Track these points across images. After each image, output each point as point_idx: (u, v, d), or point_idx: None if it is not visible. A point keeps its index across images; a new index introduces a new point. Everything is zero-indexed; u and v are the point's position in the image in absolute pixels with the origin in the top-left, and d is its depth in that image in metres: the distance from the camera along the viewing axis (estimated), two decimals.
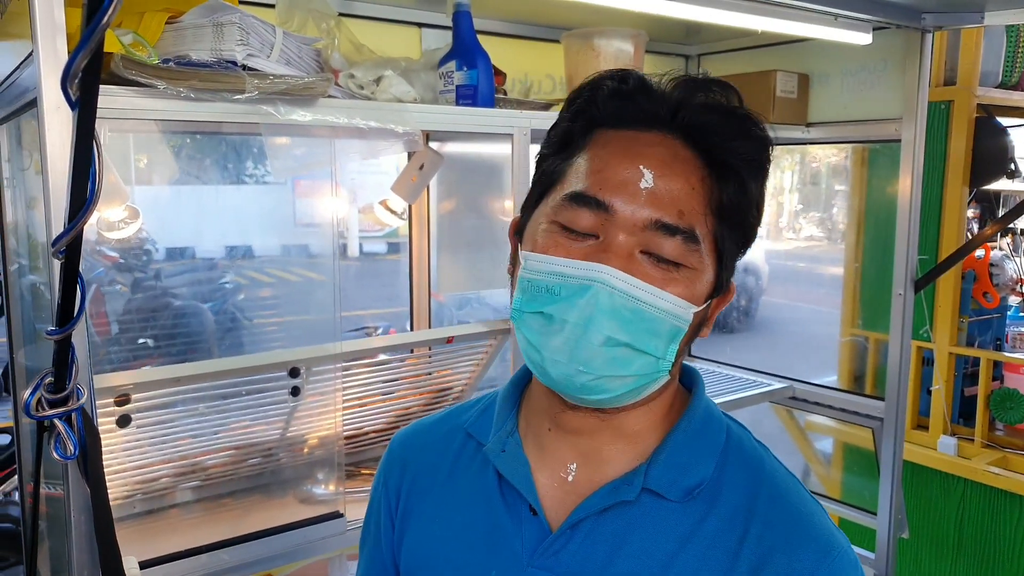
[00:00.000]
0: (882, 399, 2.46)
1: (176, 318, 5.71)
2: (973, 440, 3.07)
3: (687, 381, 0.99)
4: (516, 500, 0.93)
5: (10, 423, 4.35)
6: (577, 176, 0.85)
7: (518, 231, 0.93)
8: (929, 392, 3.16)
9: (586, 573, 0.87)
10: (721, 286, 0.88)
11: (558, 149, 0.90)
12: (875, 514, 2.49)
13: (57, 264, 1.04)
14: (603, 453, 0.91)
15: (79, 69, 0.71)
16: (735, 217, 0.86)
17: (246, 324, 6.37)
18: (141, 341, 5.25)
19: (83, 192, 0.82)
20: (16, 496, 3.61)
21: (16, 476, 3.53)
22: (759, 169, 0.87)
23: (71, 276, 0.93)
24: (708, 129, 0.85)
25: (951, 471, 3.05)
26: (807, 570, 0.83)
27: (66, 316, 0.99)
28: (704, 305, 0.86)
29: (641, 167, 0.82)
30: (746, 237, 0.89)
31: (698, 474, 0.89)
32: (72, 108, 0.77)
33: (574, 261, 0.82)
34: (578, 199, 0.83)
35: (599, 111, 0.87)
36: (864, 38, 2.15)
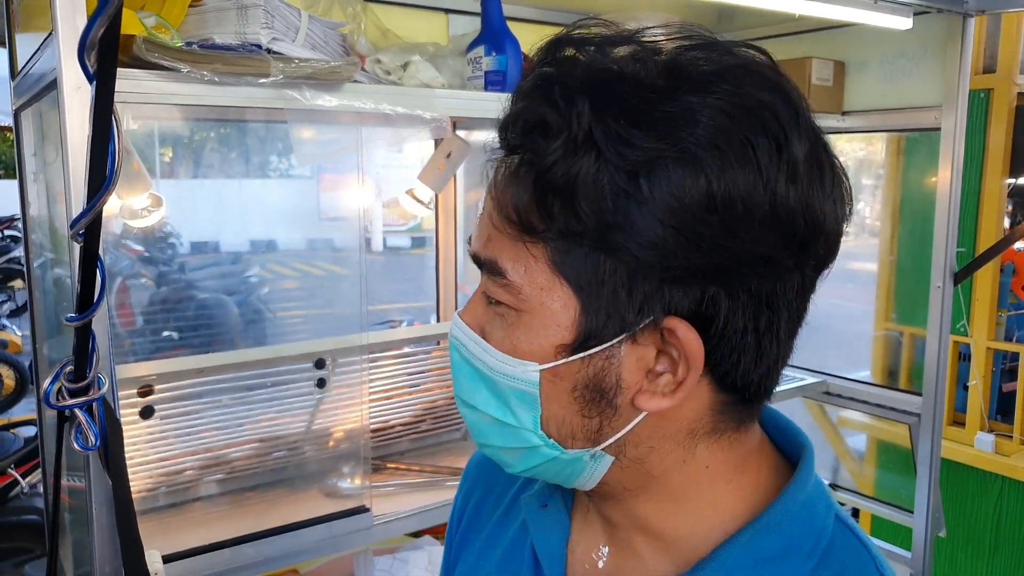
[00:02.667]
0: (919, 394, 2.40)
1: (201, 311, 5.72)
2: (1011, 437, 2.99)
3: (792, 462, 0.72)
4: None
5: (34, 415, 4.38)
6: None
7: None
8: (966, 388, 3.09)
9: None
10: (605, 328, 0.61)
11: None
12: (911, 512, 2.43)
13: (76, 248, 1.01)
14: (634, 546, 0.72)
15: (96, 39, 0.67)
16: (560, 225, 0.60)
17: (270, 317, 6.39)
18: (166, 334, 5.26)
19: (102, 171, 0.79)
20: (41, 488, 3.62)
21: (41, 468, 3.56)
22: (534, 147, 0.60)
23: (90, 260, 0.89)
24: (514, 100, 0.64)
25: (988, 468, 2.98)
26: None
27: (86, 302, 0.96)
28: (566, 359, 0.62)
29: (488, 196, 0.67)
30: (617, 249, 0.59)
31: None
32: (90, 81, 0.73)
33: None
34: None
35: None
36: (904, 22, 2.09)
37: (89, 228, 0.87)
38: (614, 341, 0.61)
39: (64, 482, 1.70)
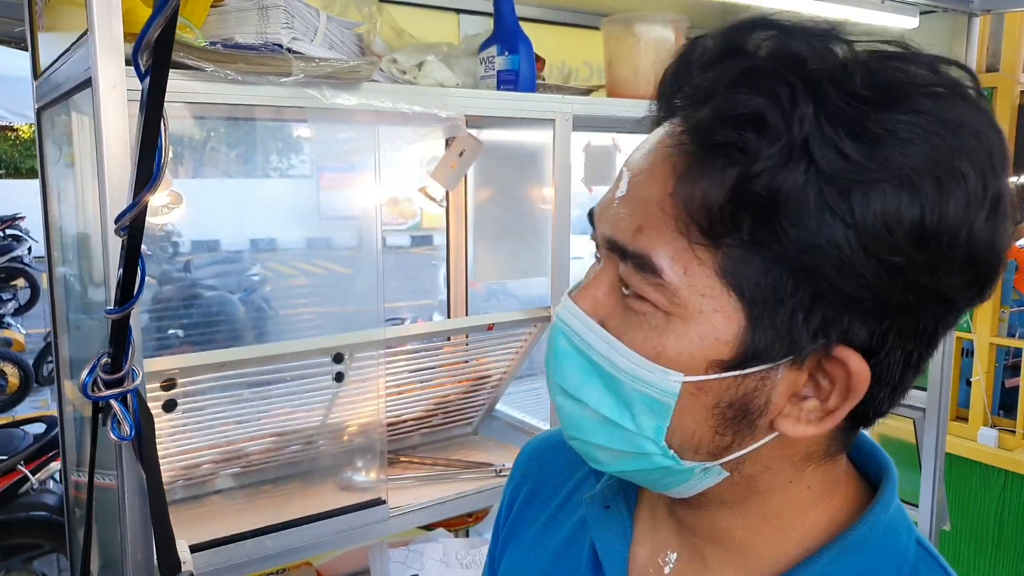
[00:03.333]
0: (923, 389, 2.43)
1: (204, 309, 5.74)
2: (1014, 432, 3.03)
3: (870, 481, 0.70)
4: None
5: (40, 412, 4.40)
6: None
7: None
8: (969, 383, 3.13)
9: None
10: (770, 349, 0.57)
11: None
12: (916, 506, 2.46)
13: (114, 243, 1.04)
14: (705, 555, 0.70)
15: (152, 39, 0.70)
16: (749, 234, 0.55)
17: (272, 315, 6.41)
18: (171, 332, 5.29)
19: (149, 166, 0.82)
20: (51, 485, 3.65)
21: (50, 465, 3.58)
22: (743, 144, 0.53)
23: (133, 254, 0.92)
24: (698, 87, 0.58)
25: (991, 463, 3.01)
26: None
27: (125, 296, 0.98)
28: (718, 375, 0.58)
29: (626, 170, 0.62)
30: (807, 270, 0.54)
31: None
32: (141, 79, 0.76)
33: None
34: (588, 217, 0.67)
35: (658, 109, 0.64)
36: (911, 22, 2.12)
37: (132, 223, 0.90)
38: (777, 363, 0.58)
39: (80, 479, 1.72)
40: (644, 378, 0.59)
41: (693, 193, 0.55)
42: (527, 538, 0.86)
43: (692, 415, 0.60)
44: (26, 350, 6.85)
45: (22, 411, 6.11)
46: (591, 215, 0.65)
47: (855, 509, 0.67)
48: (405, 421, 2.15)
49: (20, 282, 8.08)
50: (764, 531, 0.66)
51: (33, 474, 3.51)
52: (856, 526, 0.65)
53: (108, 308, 0.99)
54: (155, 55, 0.72)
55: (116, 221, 0.87)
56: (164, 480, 1.75)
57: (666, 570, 0.72)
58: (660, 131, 0.61)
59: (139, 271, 0.96)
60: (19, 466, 3.51)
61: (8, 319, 7.43)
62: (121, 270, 0.93)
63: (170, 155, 0.79)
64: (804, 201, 0.52)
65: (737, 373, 0.58)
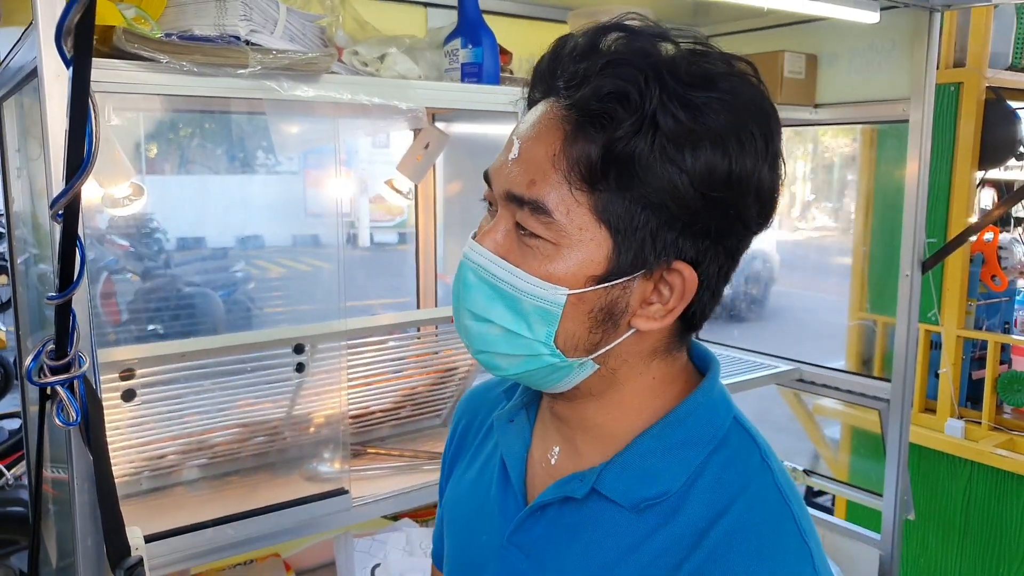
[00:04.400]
0: (889, 380, 2.45)
1: (186, 306, 5.74)
2: (980, 423, 3.06)
3: (700, 373, 0.90)
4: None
5: (18, 409, 4.39)
6: None
7: None
8: (937, 375, 3.15)
9: (546, 559, 0.87)
10: (630, 265, 0.77)
11: None
12: (881, 495, 2.48)
13: (57, 228, 1.04)
14: (576, 443, 0.89)
15: (72, 25, 0.71)
16: (614, 181, 0.74)
17: (256, 312, 6.40)
18: (151, 327, 5.28)
19: (80, 152, 0.83)
20: (26, 480, 3.64)
21: (26, 459, 3.57)
22: (611, 114, 0.73)
23: (70, 239, 0.93)
24: (574, 74, 0.76)
25: (958, 454, 3.04)
26: None
27: (66, 281, 0.99)
28: (592, 287, 0.77)
29: (515, 138, 0.80)
30: (655, 205, 0.74)
31: (659, 485, 0.81)
32: (67, 65, 0.77)
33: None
34: (484, 176, 0.84)
35: (533, 91, 0.84)
36: (872, 16, 2.14)
37: (68, 208, 0.90)
38: (634, 275, 0.77)
39: (48, 474, 1.73)
40: (539, 295, 0.78)
41: (573, 152, 0.75)
42: (461, 466, 1.05)
43: (573, 320, 0.79)
44: (7, 347, 6.82)
45: (2, 408, 6.09)
46: (487, 175, 0.83)
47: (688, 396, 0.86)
48: (373, 413, 2.16)
49: (2, 279, 8.03)
50: (617, 416, 0.86)
51: (8, 469, 3.50)
52: (680, 405, 0.85)
53: (49, 294, 1.00)
54: (77, 40, 0.73)
55: (51, 207, 0.88)
56: (126, 472, 1.77)
57: (552, 461, 0.91)
58: (541, 107, 0.80)
59: (79, 256, 0.97)
60: None
61: None
62: (59, 255, 0.94)
63: (100, 141, 0.80)
64: (652, 155, 0.72)
65: (606, 285, 0.77)
